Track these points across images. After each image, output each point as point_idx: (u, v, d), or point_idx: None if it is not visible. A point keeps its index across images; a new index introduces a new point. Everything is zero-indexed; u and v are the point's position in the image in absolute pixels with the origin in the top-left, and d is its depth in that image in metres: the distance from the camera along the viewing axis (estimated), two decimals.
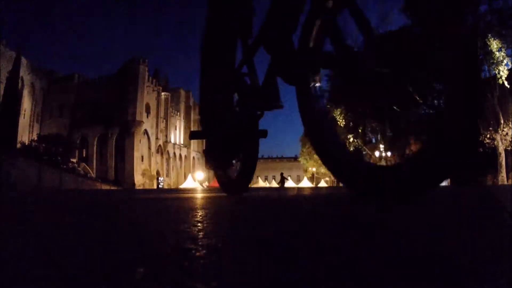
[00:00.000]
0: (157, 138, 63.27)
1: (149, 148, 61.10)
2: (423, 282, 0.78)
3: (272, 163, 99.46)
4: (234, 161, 2.99)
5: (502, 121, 25.13)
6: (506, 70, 23.77)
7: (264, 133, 2.86)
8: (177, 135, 73.47)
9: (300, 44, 1.90)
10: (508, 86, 23.97)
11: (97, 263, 1.05)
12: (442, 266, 0.91)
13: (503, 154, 25.59)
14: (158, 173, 62.63)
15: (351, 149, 41.16)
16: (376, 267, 0.91)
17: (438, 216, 2.18)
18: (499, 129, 25.37)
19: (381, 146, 38.69)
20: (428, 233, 1.46)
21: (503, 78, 23.78)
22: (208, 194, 5.25)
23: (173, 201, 3.77)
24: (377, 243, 1.15)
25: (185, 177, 65.26)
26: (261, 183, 68.64)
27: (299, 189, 12.61)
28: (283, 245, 1.25)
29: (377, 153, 39.27)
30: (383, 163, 40.58)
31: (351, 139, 39.62)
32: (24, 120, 49.94)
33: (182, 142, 74.66)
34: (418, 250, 1.12)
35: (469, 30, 1.39)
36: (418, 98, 30.51)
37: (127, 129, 55.92)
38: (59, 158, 35.34)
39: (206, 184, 62.81)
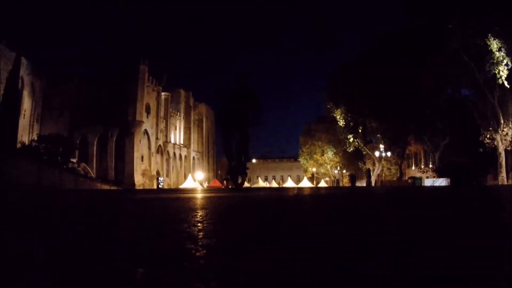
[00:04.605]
0: (157, 138, 63.19)
1: (149, 148, 61.03)
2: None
3: (272, 164, 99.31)
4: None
5: (502, 121, 25.08)
6: (506, 70, 23.73)
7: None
8: (177, 135, 73.39)
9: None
10: (508, 86, 23.93)
11: (97, 262, 1.05)
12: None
13: (503, 154, 25.54)
14: (158, 173, 62.58)
15: (351, 149, 41.12)
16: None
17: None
18: (499, 129, 25.32)
19: (381, 146, 38.61)
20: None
21: (503, 78, 23.73)
22: (208, 194, 5.24)
23: (173, 201, 3.77)
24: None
25: (185, 177, 65.19)
26: (261, 183, 68.58)
27: (299, 189, 12.58)
28: (281, 245, 1.25)
29: (377, 153, 39.20)
30: (383, 163, 40.49)
31: (351, 139, 39.53)
32: (24, 120, 49.88)
33: (182, 142, 74.59)
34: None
35: None
36: (418, 99, 30.48)
37: (127, 129, 55.86)
38: (59, 158, 35.25)
39: (206, 184, 62.72)
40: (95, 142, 55.98)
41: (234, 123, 7.38)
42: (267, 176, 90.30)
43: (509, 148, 25.75)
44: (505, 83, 23.75)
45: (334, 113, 40.01)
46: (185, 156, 74.73)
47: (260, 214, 2.54)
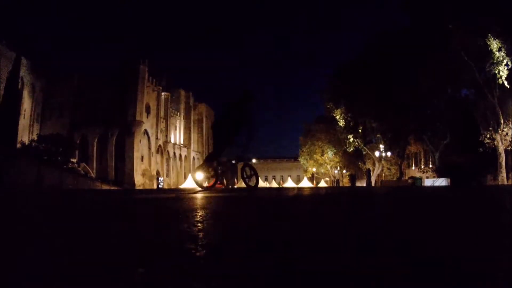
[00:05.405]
0: (157, 138, 63.19)
1: (149, 148, 61.04)
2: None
3: (272, 164, 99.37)
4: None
5: (502, 121, 25.07)
6: (506, 70, 23.72)
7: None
8: (177, 135, 73.41)
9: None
10: (508, 86, 23.93)
11: (96, 262, 1.05)
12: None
13: (503, 154, 25.52)
14: (158, 173, 62.58)
15: (351, 149, 41.08)
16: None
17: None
18: (499, 129, 25.31)
19: (381, 146, 38.60)
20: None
21: (503, 78, 23.73)
22: (208, 194, 5.24)
23: (173, 201, 3.78)
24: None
25: (185, 177, 65.22)
26: (261, 183, 68.57)
27: (299, 189, 12.60)
28: (282, 245, 1.25)
29: (377, 153, 39.20)
30: (383, 163, 40.50)
31: (351, 139, 39.52)
32: (24, 120, 49.90)
33: (182, 142, 74.59)
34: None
35: None
36: (418, 99, 30.48)
37: (127, 129, 55.87)
38: (59, 158, 35.26)
39: (206, 184, 62.65)
40: (95, 142, 55.98)
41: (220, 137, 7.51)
42: (267, 176, 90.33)
43: (509, 148, 25.74)
44: (505, 83, 23.75)
45: (334, 113, 40.01)
46: (185, 156, 74.73)
47: (260, 214, 2.53)
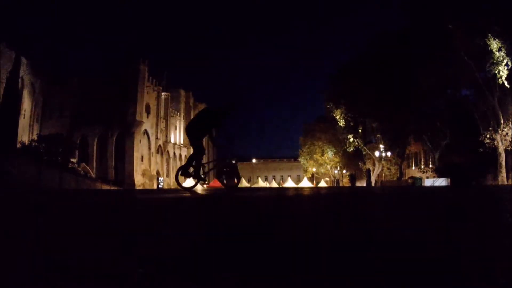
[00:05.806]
0: (157, 138, 63.18)
1: (149, 148, 61.01)
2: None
3: (272, 164, 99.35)
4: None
5: (502, 121, 25.06)
6: (506, 70, 23.72)
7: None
8: (177, 135, 73.40)
9: None
10: (508, 86, 23.92)
11: (98, 263, 1.05)
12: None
13: (503, 154, 25.50)
14: (158, 173, 62.57)
15: (351, 149, 41.05)
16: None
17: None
18: (499, 129, 25.30)
19: (381, 146, 38.58)
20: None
21: (503, 78, 23.72)
22: (208, 194, 5.25)
23: (172, 201, 3.78)
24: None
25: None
26: (261, 183, 68.58)
27: (299, 189, 12.60)
28: (280, 246, 1.26)
29: (377, 153, 39.18)
30: (383, 163, 40.54)
31: (351, 139, 39.50)
32: (24, 120, 49.87)
33: (182, 142, 74.58)
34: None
35: None
36: (417, 99, 30.49)
37: (127, 129, 55.86)
38: (59, 158, 35.27)
39: (205, 184, 62.69)
40: (95, 142, 55.96)
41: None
42: (267, 176, 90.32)
43: (509, 148, 25.72)
44: (505, 83, 23.73)
45: (334, 113, 39.99)
46: (185, 156, 74.68)
47: (259, 214, 2.54)
